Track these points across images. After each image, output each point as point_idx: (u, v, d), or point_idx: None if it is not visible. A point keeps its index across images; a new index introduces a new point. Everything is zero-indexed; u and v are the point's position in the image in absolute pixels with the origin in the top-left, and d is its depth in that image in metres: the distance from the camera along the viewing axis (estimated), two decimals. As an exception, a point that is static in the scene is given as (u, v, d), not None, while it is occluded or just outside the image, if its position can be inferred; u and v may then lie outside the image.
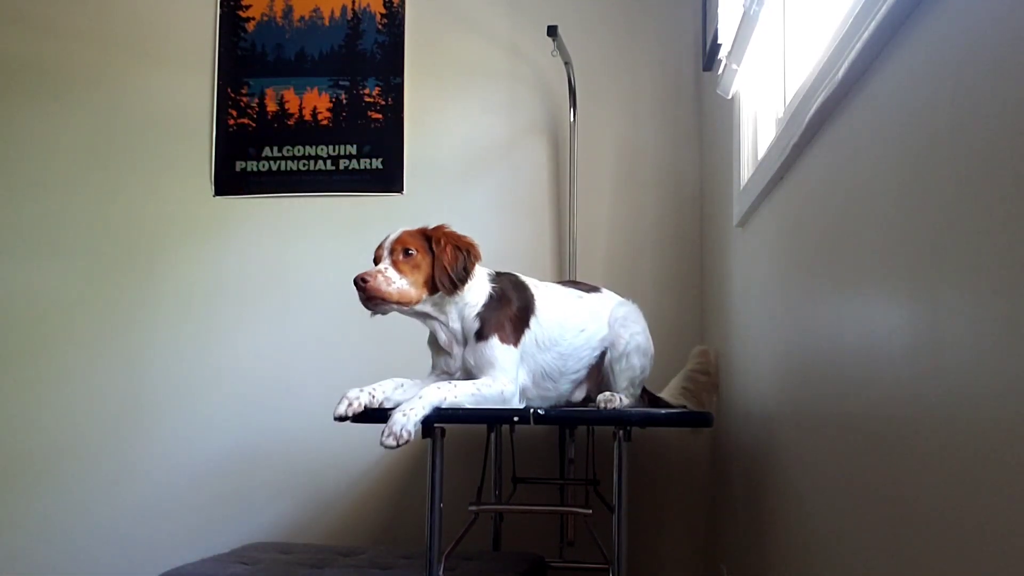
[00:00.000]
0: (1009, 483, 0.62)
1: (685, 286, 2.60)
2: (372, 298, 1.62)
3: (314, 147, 2.76)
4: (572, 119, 2.59)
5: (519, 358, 1.70)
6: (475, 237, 1.77)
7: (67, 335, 2.76)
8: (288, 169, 2.76)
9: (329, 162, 2.75)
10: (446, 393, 1.56)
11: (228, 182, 2.77)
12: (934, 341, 0.76)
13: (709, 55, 2.32)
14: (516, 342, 1.70)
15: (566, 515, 2.42)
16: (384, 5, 2.78)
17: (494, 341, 1.67)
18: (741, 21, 1.68)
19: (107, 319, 2.75)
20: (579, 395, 1.85)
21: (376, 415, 1.56)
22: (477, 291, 1.71)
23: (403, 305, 1.66)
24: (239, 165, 2.77)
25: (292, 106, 2.78)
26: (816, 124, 1.18)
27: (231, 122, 2.79)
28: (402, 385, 1.66)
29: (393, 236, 1.70)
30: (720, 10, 1.96)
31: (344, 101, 2.76)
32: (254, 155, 2.77)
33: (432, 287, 1.67)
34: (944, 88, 0.76)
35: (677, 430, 2.45)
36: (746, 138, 1.85)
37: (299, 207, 2.75)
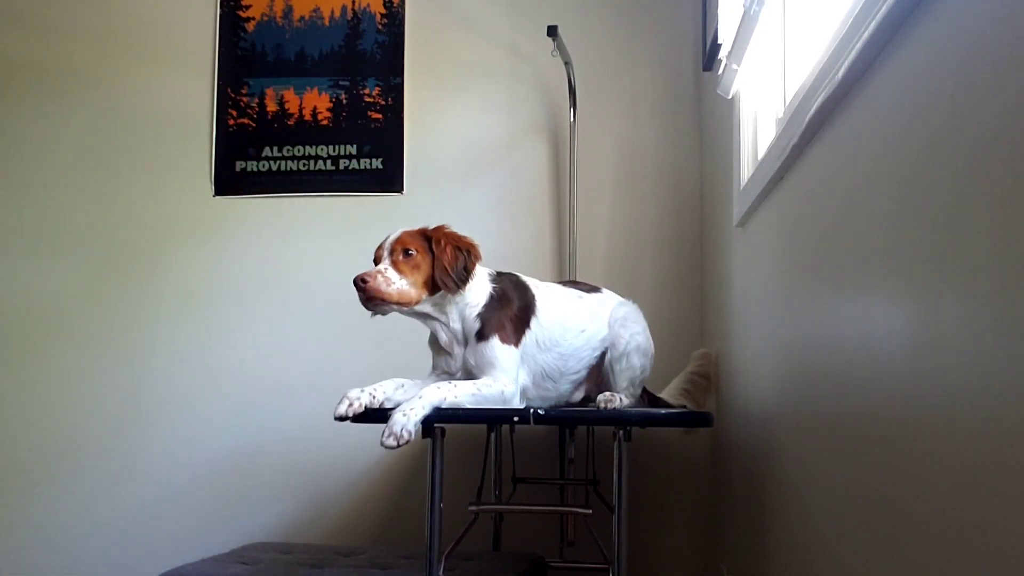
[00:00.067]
0: (1009, 483, 0.62)
1: (685, 286, 2.60)
2: (372, 299, 1.62)
3: (314, 147, 2.76)
4: (572, 119, 2.59)
5: (520, 358, 1.70)
6: (475, 237, 1.77)
7: (67, 335, 2.76)
8: (288, 169, 2.76)
9: (329, 162, 2.75)
10: (446, 393, 1.56)
11: (228, 182, 2.77)
12: (934, 341, 0.76)
13: (709, 55, 2.32)
14: (517, 342, 1.70)
15: (566, 515, 2.42)
16: (384, 5, 2.78)
17: (495, 341, 1.67)
18: (741, 21, 1.68)
19: (107, 319, 2.75)
20: (579, 396, 1.85)
21: (376, 415, 1.56)
22: (478, 291, 1.71)
23: (403, 305, 1.66)
24: (239, 165, 2.77)
25: (292, 106, 2.78)
26: (816, 124, 1.18)
27: (231, 122, 2.79)
28: (403, 385, 1.66)
29: (393, 236, 1.70)
30: (720, 10, 1.96)
31: (344, 101, 2.76)
32: (254, 155, 2.77)
33: (432, 287, 1.67)
34: (944, 88, 0.76)
35: (677, 430, 2.45)
36: (746, 138, 1.85)
37: (299, 207, 2.75)
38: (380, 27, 2.77)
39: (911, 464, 0.82)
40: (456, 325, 1.71)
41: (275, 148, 2.77)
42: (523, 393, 1.72)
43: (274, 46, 2.81)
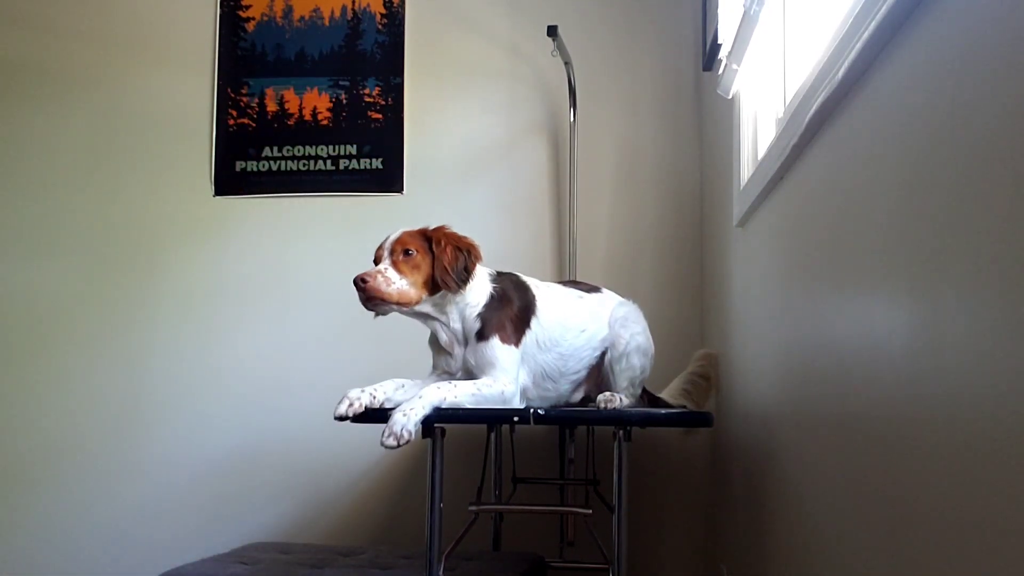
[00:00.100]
0: (1009, 483, 0.62)
1: (685, 286, 2.60)
2: (372, 298, 1.62)
3: (314, 147, 2.76)
4: (572, 119, 2.59)
5: (520, 358, 1.70)
6: (475, 237, 1.77)
7: (67, 335, 2.76)
8: (288, 169, 2.76)
9: (329, 162, 2.75)
10: (446, 393, 1.56)
11: (228, 182, 2.77)
12: (934, 341, 0.76)
13: (709, 55, 2.32)
14: (517, 342, 1.70)
15: (566, 515, 2.42)
16: (384, 5, 2.78)
17: (495, 341, 1.67)
18: (741, 21, 1.68)
19: (107, 319, 2.75)
20: (578, 396, 1.85)
21: (376, 415, 1.56)
22: (478, 291, 1.71)
23: (403, 305, 1.66)
24: (239, 165, 2.77)
25: (292, 106, 2.78)
26: (816, 124, 1.18)
27: (231, 122, 2.79)
28: (403, 386, 1.66)
29: (393, 236, 1.70)
30: (720, 10, 1.96)
31: (344, 101, 2.76)
32: (254, 155, 2.77)
33: (432, 287, 1.67)
34: (944, 88, 0.76)
35: (677, 430, 2.45)
36: (746, 138, 1.85)
37: (299, 207, 2.75)
38: (380, 27, 2.77)
39: (911, 464, 0.82)
40: (456, 325, 1.71)
41: (275, 148, 2.77)
42: (523, 393, 1.72)
43: (274, 46, 2.81)
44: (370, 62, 2.77)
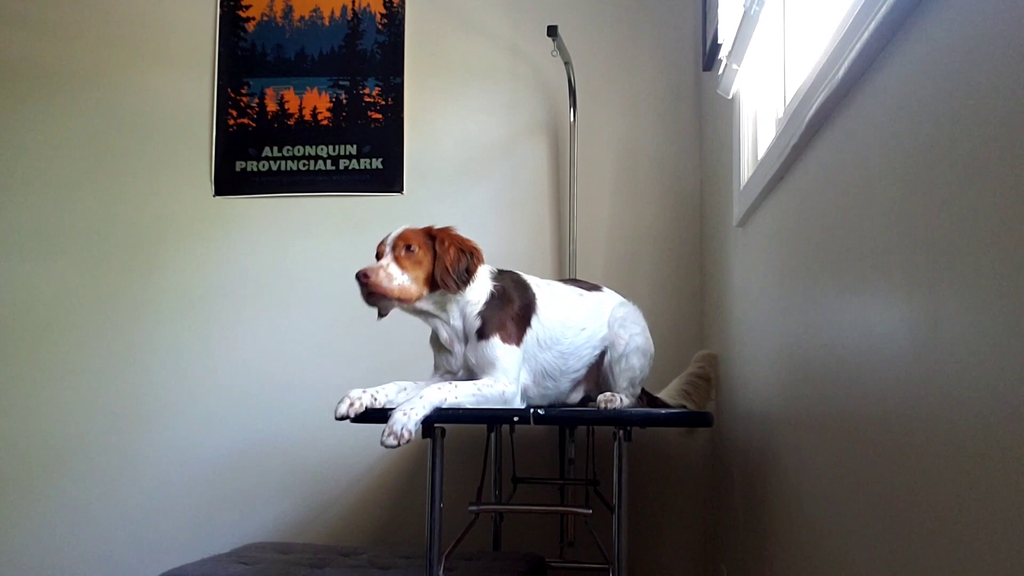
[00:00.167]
0: (1009, 483, 0.62)
1: (685, 286, 2.60)
2: (373, 294, 1.62)
3: (314, 147, 2.76)
4: (572, 119, 2.59)
5: (521, 358, 1.70)
6: (475, 237, 1.77)
7: (67, 335, 2.76)
8: (288, 169, 2.76)
9: (329, 162, 2.75)
10: (447, 394, 1.56)
11: (228, 182, 2.77)
12: (933, 341, 0.76)
13: (709, 55, 2.32)
14: (518, 342, 1.70)
15: (566, 515, 2.42)
16: (384, 5, 2.78)
17: (496, 341, 1.67)
18: (741, 21, 1.68)
19: (107, 319, 2.75)
20: (577, 396, 1.85)
21: (376, 415, 1.56)
22: (479, 289, 1.71)
23: (404, 302, 1.66)
24: (239, 165, 2.77)
25: (292, 106, 2.78)
26: (816, 124, 1.18)
27: (231, 122, 2.79)
28: (405, 388, 1.65)
29: (396, 233, 1.70)
30: (720, 10, 1.96)
31: (344, 101, 2.77)
32: (254, 155, 2.77)
33: (432, 284, 1.67)
34: (944, 88, 0.76)
35: (677, 430, 2.45)
36: (746, 138, 1.85)
37: (299, 207, 2.75)
38: (380, 27, 2.78)
39: (911, 463, 0.82)
40: (457, 323, 1.70)
41: (275, 148, 2.77)
42: (524, 392, 1.72)
43: (274, 46, 2.81)
44: (370, 62, 2.77)
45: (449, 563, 1.71)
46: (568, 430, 2.41)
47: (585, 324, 1.80)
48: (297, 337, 2.70)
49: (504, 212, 2.68)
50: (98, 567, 2.67)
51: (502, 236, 2.64)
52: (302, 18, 2.81)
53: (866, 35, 0.92)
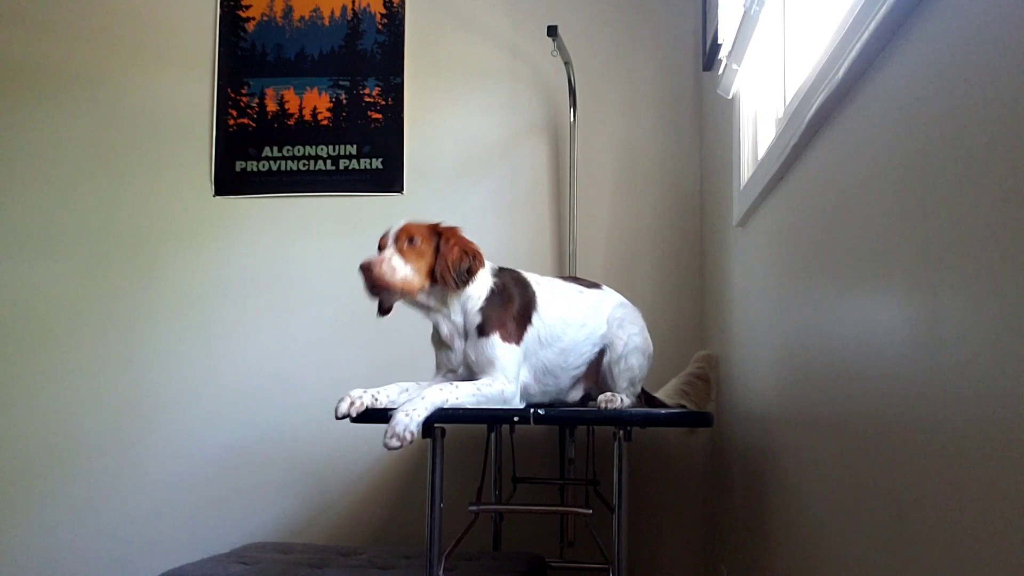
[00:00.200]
0: (1010, 482, 0.62)
1: (685, 286, 2.60)
2: (376, 285, 1.62)
3: (314, 147, 2.76)
4: (572, 119, 2.59)
5: (521, 357, 1.70)
6: (475, 237, 1.76)
7: (67, 335, 2.76)
8: (288, 169, 2.76)
9: (329, 162, 2.75)
10: (448, 395, 1.56)
11: (228, 182, 2.77)
12: (933, 341, 0.76)
13: (709, 55, 2.32)
14: (518, 340, 1.70)
15: (566, 515, 2.42)
16: (384, 5, 2.78)
17: (495, 339, 1.66)
18: (741, 21, 1.68)
19: (107, 319, 2.75)
20: (576, 394, 1.84)
21: (377, 415, 1.56)
22: (480, 285, 1.71)
23: (406, 294, 1.66)
24: (239, 165, 2.77)
25: (292, 106, 2.78)
26: (816, 124, 1.18)
27: (231, 122, 2.79)
28: (407, 390, 1.65)
29: (398, 225, 1.70)
30: (720, 10, 1.96)
31: (344, 101, 2.77)
32: (254, 155, 2.77)
33: (434, 278, 1.67)
34: (944, 88, 0.76)
35: (677, 430, 2.45)
36: (746, 138, 1.85)
37: (299, 207, 2.75)
38: (380, 27, 2.78)
39: (911, 463, 0.82)
40: (458, 318, 1.70)
41: (275, 148, 2.77)
42: (524, 390, 1.72)
43: (274, 46, 2.81)
44: (370, 62, 2.77)
45: (449, 563, 1.71)
46: (568, 430, 2.41)
47: (585, 321, 1.80)
48: (297, 337, 2.70)
49: (504, 212, 2.68)
50: (98, 567, 2.67)
51: (502, 236, 2.64)
52: (302, 18, 2.81)
53: (866, 35, 0.92)
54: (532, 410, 1.60)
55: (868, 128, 0.98)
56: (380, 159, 2.73)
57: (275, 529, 2.62)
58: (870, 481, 0.95)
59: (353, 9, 2.79)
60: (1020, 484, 0.60)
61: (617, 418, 1.63)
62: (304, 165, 2.76)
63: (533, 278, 1.81)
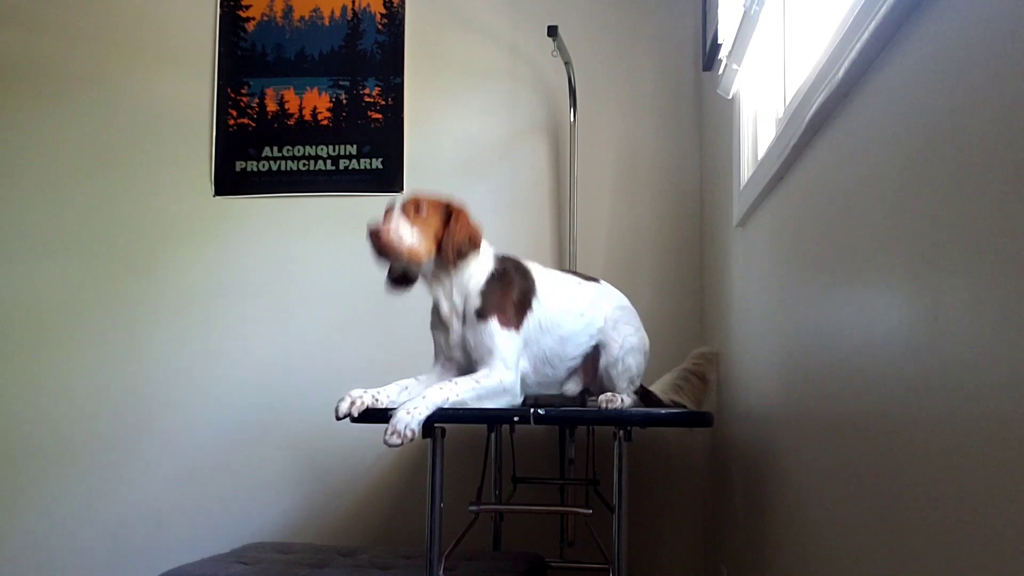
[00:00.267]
0: (1010, 482, 0.62)
1: (685, 286, 2.60)
2: (383, 251, 1.62)
3: (314, 147, 2.76)
4: (572, 119, 2.59)
5: (521, 344, 1.69)
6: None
7: (67, 335, 2.76)
8: (288, 169, 2.76)
9: (329, 162, 2.75)
10: (448, 393, 1.56)
11: (228, 182, 2.77)
12: (934, 340, 0.77)
13: (709, 55, 2.33)
14: (517, 326, 1.69)
15: (566, 515, 2.42)
16: (384, 5, 2.78)
17: (493, 324, 1.65)
18: (741, 21, 1.68)
19: (107, 319, 2.75)
20: (573, 387, 1.84)
21: (377, 415, 1.56)
22: (482, 264, 1.71)
23: (412, 261, 1.65)
24: (239, 165, 2.77)
25: (292, 106, 2.78)
26: (816, 124, 1.18)
27: (231, 122, 2.79)
28: (407, 388, 1.65)
29: (406, 195, 1.70)
30: (720, 10, 1.96)
31: (344, 101, 2.77)
32: (254, 155, 2.77)
33: (439, 249, 1.67)
34: (944, 87, 0.76)
35: (677, 430, 2.45)
36: (746, 138, 1.85)
37: (299, 207, 2.75)
38: (380, 27, 2.78)
39: (911, 463, 0.82)
40: (457, 299, 1.70)
41: (275, 148, 2.77)
42: (523, 380, 1.71)
43: (274, 46, 2.81)
44: (370, 62, 2.77)
45: (449, 563, 1.71)
46: (568, 430, 2.41)
47: (584, 310, 1.80)
48: (297, 337, 2.70)
49: (504, 212, 2.68)
50: (98, 566, 2.67)
51: (502, 236, 2.62)
52: (302, 18, 2.81)
53: (866, 35, 0.92)
54: (532, 410, 1.60)
55: (868, 128, 0.98)
56: (380, 159, 2.73)
57: (275, 529, 2.62)
58: (870, 481, 0.95)
59: (353, 9, 2.79)
60: (1020, 483, 0.60)
61: (617, 418, 1.63)
62: (304, 165, 2.76)
63: (533, 266, 1.81)
